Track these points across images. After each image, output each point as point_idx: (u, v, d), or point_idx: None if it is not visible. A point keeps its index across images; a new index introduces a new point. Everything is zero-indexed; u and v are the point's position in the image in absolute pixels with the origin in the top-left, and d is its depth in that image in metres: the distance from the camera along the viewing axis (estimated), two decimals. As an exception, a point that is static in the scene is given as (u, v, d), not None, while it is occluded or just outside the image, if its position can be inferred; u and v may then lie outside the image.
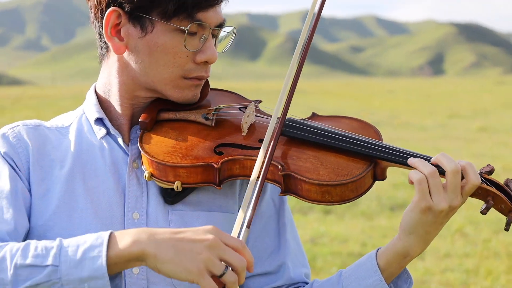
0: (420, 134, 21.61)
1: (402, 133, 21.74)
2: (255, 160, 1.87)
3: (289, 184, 1.90)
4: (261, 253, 2.06)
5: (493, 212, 1.93)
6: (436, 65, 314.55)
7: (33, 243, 1.66)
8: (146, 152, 1.92)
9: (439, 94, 45.01)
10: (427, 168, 1.82)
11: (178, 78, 1.95)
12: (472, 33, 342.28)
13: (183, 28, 1.89)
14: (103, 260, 1.60)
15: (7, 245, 1.67)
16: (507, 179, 1.90)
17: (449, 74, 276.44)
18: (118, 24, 1.93)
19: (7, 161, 1.91)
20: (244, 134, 1.99)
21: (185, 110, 2.03)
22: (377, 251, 1.95)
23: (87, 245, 1.62)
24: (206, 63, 1.97)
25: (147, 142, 1.95)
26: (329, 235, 8.98)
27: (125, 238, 1.63)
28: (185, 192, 1.95)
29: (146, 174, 1.92)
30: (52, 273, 1.61)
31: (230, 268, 1.63)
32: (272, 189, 2.09)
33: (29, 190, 1.91)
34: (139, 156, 1.97)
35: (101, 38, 2.00)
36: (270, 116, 2.06)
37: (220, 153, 1.93)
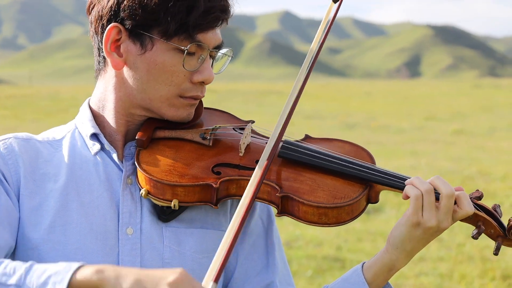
0: (397, 136, 21.70)
1: (379, 135, 21.83)
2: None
3: (286, 206, 1.91)
4: (250, 271, 2.07)
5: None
6: (413, 67, 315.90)
7: (6, 262, 1.65)
8: (144, 170, 1.92)
9: (416, 96, 45.18)
10: (424, 185, 1.88)
11: (174, 96, 1.96)
12: (449, 35, 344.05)
13: (183, 48, 1.90)
14: (64, 285, 1.56)
15: None
16: (495, 204, 1.98)
17: (426, 76, 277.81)
18: (118, 40, 1.93)
19: None
20: (241, 154, 2.00)
21: (181, 128, 2.04)
22: (363, 265, 1.99)
23: (54, 270, 1.59)
24: (203, 83, 1.98)
25: (145, 160, 1.95)
26: (304, 238, 8.99)
27: (90, 268, 1.58)
28: (180, 209, 1.96)
29: (142, 191, 1.92)
30: None
31: None
32: (261, 208, 2.11)
33: (19, 202, 1.90)
34: (134, 172, 1.98)
35: (99, 53, 2.00)
36: (265, 137, 2.08)
37: (218, 173, 1.94)
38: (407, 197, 1.89)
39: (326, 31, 2.03)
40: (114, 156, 1.99)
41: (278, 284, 2.07)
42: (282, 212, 1.92)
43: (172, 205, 1.91)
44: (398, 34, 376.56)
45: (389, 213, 10.37)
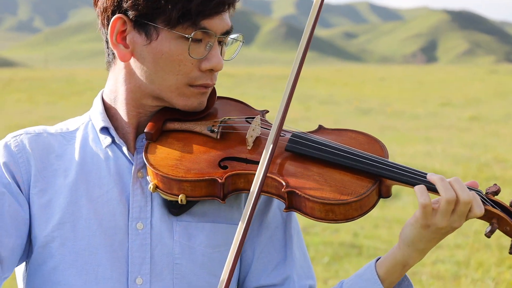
0: (412, 122, 21.60)
1: (394, 121, 21.75)
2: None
3: (293, 201, 1.86)
4: (267, 265, 2.03)
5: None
6: (429, 52, 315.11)
7: None
8: (151, 165, 1.89)
9: (431, 82, 45.00)
10: (447, 193, 1.80)
11: (183, 86, 1.92)
12: (466, 20, 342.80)
13: (186, 35, 1.87)
14: None
15: None
16: None
17: (442, 61, 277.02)
18: (124, 31, 1.91)
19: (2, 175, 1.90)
20: (249, 148, 1.95)
21: (191, 120, 2.00)
22: (376, 261, 1.95)
23: None
24: (212, 70, 1.94)
25: (152, 154, 1.93)
26: (321, 224, 8.96)
27: None
28: (190, 203, 1.93)
29: (151, 185, 1.90)
30: None
31: None
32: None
33: (29, 202, 1.90)
34: (144, 165, 1.95)
35: (107, 45, 1.98)
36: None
37: (225, 167, 1.90)
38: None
39: (318, 10, 1.91)
40: (124, 149, 1.96)
41: (295, 278, 2.04)
42: (289, 207, 1.87)
43: (179, 199, 1.88)
44: (414, 19, 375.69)
45: (405, 200, 10.34)
